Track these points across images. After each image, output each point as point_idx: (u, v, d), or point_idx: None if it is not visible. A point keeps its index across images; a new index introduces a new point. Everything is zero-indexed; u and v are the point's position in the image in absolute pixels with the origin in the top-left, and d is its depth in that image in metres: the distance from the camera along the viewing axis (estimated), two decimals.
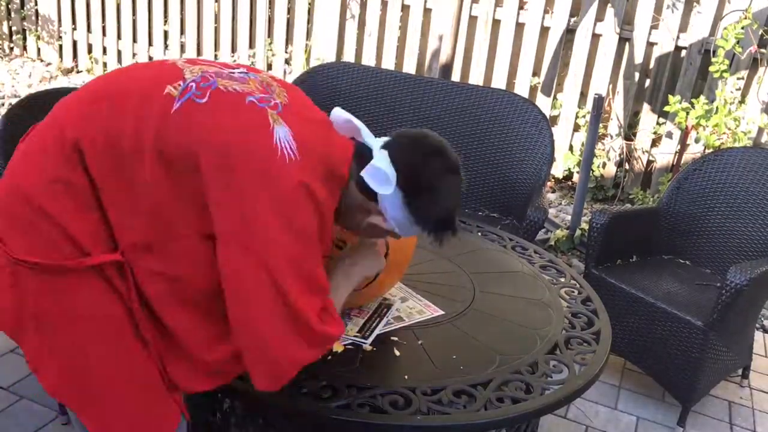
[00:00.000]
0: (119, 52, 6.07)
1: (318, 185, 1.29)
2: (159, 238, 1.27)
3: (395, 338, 1.70)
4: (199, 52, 5.76)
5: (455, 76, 4.85)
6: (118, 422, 1.32)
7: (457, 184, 1.45)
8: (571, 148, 4.78)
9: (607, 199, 4.72)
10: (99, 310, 1.27)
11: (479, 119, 3.24)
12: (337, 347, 1.61)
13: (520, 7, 4.71)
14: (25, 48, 6.51)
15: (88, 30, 6.13)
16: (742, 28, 3.80)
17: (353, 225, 1.50)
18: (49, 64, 6.38)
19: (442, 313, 1.84)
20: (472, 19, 4.86)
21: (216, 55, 5.70)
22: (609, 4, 4.52)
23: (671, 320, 2.58)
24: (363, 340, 1.66)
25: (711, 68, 3.94)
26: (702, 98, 3.95)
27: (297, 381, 1.49)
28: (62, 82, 6.06)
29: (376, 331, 1.70)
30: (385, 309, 1.80)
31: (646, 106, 4.58)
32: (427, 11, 5.00)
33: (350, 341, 1.66)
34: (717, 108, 3.88)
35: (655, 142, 4.61)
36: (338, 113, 1.44)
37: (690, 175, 3.05)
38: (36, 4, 6.26)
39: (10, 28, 6.50)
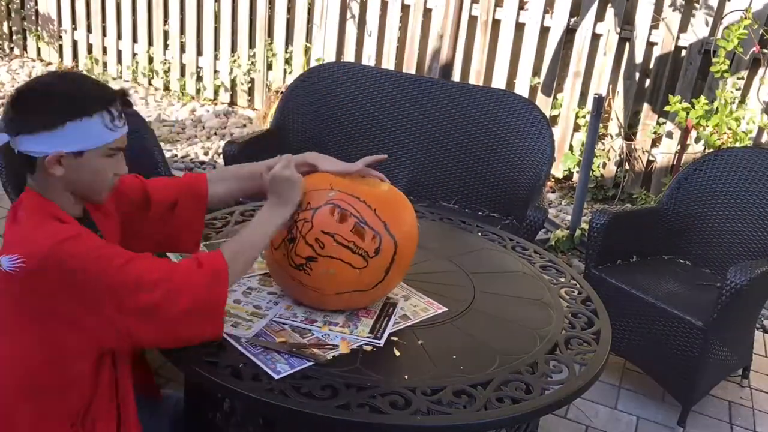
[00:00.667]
0: (119, 52, 6.07)
1: (57, 228, 1.38)
2: None
3: (395, 338, 1.70)
4: (199, 52, 5.76)
5: (455, 76, 4.85)
6: None
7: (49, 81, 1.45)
8: (571, 148, 4.78)
9: (607, 199, 4.72)
10: None
11: (479, 119, 3.24)
12: (344, 348, 1.61)
13: (520, 7, 4.71)
14: (25, 48, 6.51)
15: (88, 30, 6.13)
16: (744, 28, 3.80)
17: (74, 189, 1.47)
18: (49, 64, 6.38)
19: (446, 309, 1.83)
20: (472, 19, 4.86)
21: (216, 55, 5.71)
22: (609, 4, 4.52)
23: (671, 320, 2.58)
24: (376, 341, 1.65)
25: (712, 68, 3.95)
26: (702, 98, 3.96)
27: (297, 381, 1.49)
28: None
29: (387, 330, 1.70)
30: (391, 308, 1.80)
31: (646, 106, 4.58)
32: (427, 11, 5.00)
33: (363, 342, 1.65)
34: (717, 108, 3.88)
35: (655, 142, 4.61)
36: None
37: (690, 175, 3.05)
38: (36, 4, 6.26)
39: (10, 28, 6.50)
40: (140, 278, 1.38)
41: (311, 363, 1.54)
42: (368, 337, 1.66)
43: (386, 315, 1.77)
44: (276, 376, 1.48)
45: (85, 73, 1.61)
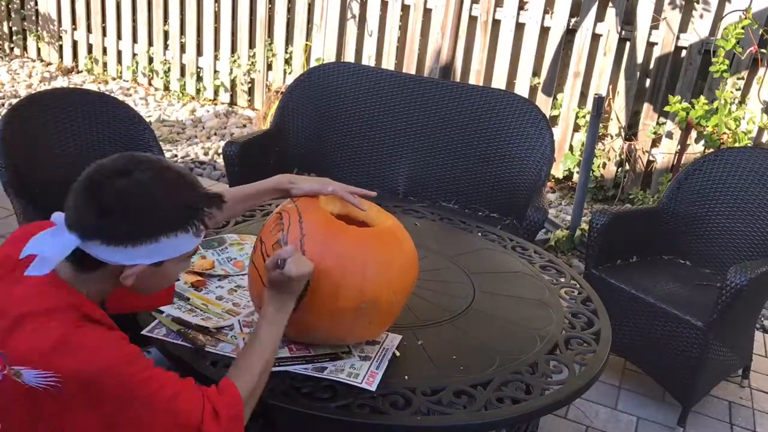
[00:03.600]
0: (119, 52, 6.07)
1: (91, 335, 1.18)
2: None
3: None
4: (199, 52, 5.76)
5: (455, 76, 4.85)
6: None
7: (141, 183, 1.22)
8: (571, 148, 4.78)
9: (607, 199, 4.72)
10: None
11: (479, 119, 3.24)
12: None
13: (520, 7, 4.71)
14: (25, 48, 6.51)
15: (88, 30, 6.13)
16: (743, 28, 3.80)
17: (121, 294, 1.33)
18: (49, 64, 6.38)
19: (372, 390, 1.50)
20: (472, 19, 4.86)
21: (216, 55, 5.70)
22: (609, 4, 4.52)
23: (671, 320, 2.58)
24: (369, 387, 1.50)
25: (711, 68, 3.95)
26: (702, 98, 3.96)
27: (298, 382, 1.49)
28: (62, 82, 6.06)
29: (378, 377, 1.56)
30: (319, 358, 1.60)
31: (646, 106, 4.58)
32: (427, 11, 5.00)
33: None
34: (717, 108, 3.88)
35: (655, 142, 4.61)
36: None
37: (690, 175, 3.05)
38: (36, 4, 6.26)
39: (10, 28, 6.50)
40: (180, 415, 1.22)
41: (189, 345, 1.54)
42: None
43: (311, 360, 1.57)
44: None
45: (173, 165, 1.39)
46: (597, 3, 4.49)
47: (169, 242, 1.23)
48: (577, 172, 4.68)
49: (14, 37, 6.52)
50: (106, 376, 1.15)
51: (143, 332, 1.58)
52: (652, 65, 4.52)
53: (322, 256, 1.47)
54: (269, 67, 5.61)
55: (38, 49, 6.42)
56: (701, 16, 4.27)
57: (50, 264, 1.18)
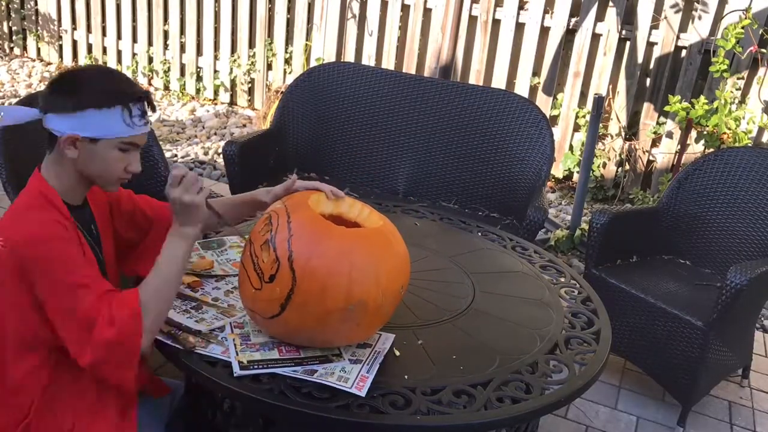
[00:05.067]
0: (119, 52, 6.07)
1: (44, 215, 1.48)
2: None
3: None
4: (199, 52, 5.76)
5: (455, 76, 4.85)
6: None
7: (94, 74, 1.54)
8: (571, 148, 4.78)
9: (607, 199, 4.72)
10: None
11: (479, 119, 3.24)
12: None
13: (520, 7, 4.71)
14: (25, 48, 6.51)
15: (88, 30, 6.13)
16: (742, 28, 3.80)
17: (93, 173, 1.54)
18: (49, 63, 6.38)
19: (361, 395, 1.48)
20: (472, 19, 4.86)
21: (216, 55, 5.70)
22: (609, 4, 4.52)
23: (671, 320, 2.58)
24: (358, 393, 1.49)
25: (711, 68, 3.95)
26: (702, 98, 3.96)
27: (298, 381, 1.49)
28: None
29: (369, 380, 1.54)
30: (307, 361, 1.58)
31: (646, 106, 4.58)
32: (427, 11, 5.00)
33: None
34: (717, 108, 3.88)
35: (655, 142, 4.61)
36: None
37: (690, 175, 3.05)
38: (36, 4, 6.26)
39: (10, 28, 6.50)
40: (78, 311, 1.43)
41: (177, 347, 1.55)
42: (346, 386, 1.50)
43: (300, 362, 1.55)
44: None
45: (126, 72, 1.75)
46: (597, 3, 4.49)
47: (96, 115, 1.47)
48: (577, 172, 4.68)
49: (14, 37, 6.52)
50: (29, 247, 1.41)
51: None
52: (652, 65, 4.52)
53: (308, 256, 1.47)
54: (269, 66, 5.61)
55: (38, 49, 6.42)
56: (701, 17, 4.27)
57: (16, 117, 1.58)
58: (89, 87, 1.49)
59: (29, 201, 1.49)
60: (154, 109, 1.57)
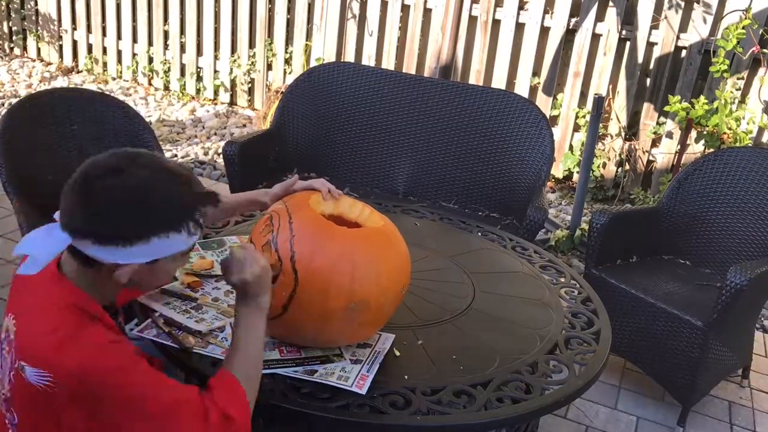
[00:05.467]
0: (119, 52, 6.07)
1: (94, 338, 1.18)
2: None
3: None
4: (199, 52, 5.76)
5: (455, 76, 4.85)
6: None
7: (134, 183, 1.19)
8: (571, 148, 4.78)
9: (607, 199, 4.72)
10: None
11: (479, 119, 3.24)
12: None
13: (520, 7, 4.71)
14: (25, 48, 6.51)
15: (88, 30, 6.13)
16: (743, 28, 3.80)
17: (117, 291, 1.32)
18: (49, 64, 6.38)
19: (362, 393, 1.49)
20: (472, 19, 4.86)
21: (216, 55, 5.70)
22: (609, 4, 4.52)
23: (671, 320, 2.58)
24: (359, 391, 1.50)
25: (711, 68, 3.95)
26: (702, 98, 3.96)
27: (298, 381, 1.49)
28: (62, 82, 6.06)
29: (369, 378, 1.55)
30: (309, 361, 1.59)
31: (646, 106, 4.58)
32: (427, 11, 5.00)
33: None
34: (717, 108, 3.88)
35: (655, 142, 4.61)
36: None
37: (690, 175, 3.05)
38: (36, 4, 6.26)
39: (10, 28, 6.50)
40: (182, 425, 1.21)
41: (176, 346, 1.54)
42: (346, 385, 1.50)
43: (301, 363, 1.55)
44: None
45: (167, 162, 1.29)
46: (597, 3, 4.49)
47: (161, 242, 1.21)
48: (577, 172, 4.68)
49: (14, 37, 6.52)
50: (98, 381, 1.14)
51: (134, 332, 1.58)
52: (652, 65, 4.52)
53: (311, 256, 1.47)
54: (269, 67, 5.61)
55: (38, 49, 6.42)
56: (701, 17, 4.27)
57: (40, 264, 1.17)
58: (149, 212, 1.19)
59: (62, 318, 1.19)
60: (217, 205, 1.31)
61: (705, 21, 4.27)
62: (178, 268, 1.36)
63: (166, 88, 6.00)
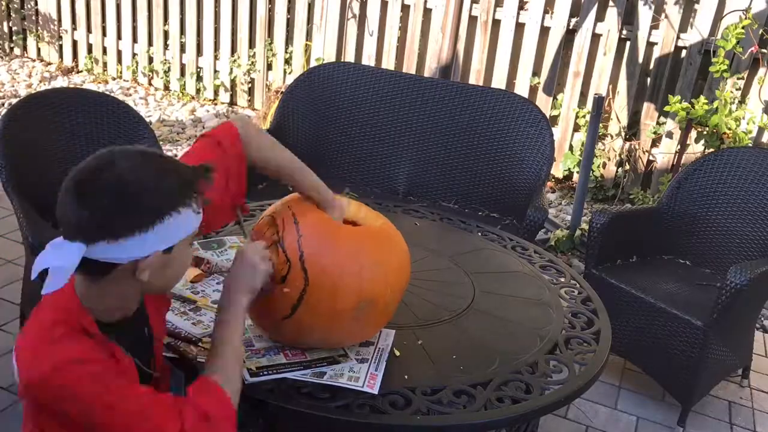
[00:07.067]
0: (119, 52, 6.07)
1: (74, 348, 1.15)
2: None
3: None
4: (199, 52, 5.76)
5: (455, 76, 4.85)
6: None
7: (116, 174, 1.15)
8: (571, 148, 4.78)
9: (607, 199, 4.72)
10: None
11: (479, 119, 3.24)
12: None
13: (520, 7, 4.71)
14: (25, 48, 6.51)
15: (88, 30, 6.13)
16: (743, 28, 3.80)
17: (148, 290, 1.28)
18: (49, 63, 6.38)
19: (374, 392, 1.50)
20: (472, 19, 4.86)
21: (216, 55, 5.70)
22: (610, 4, 4.52)
23: (671, 320, 2.58)
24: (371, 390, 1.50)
25: (711, 68, 3.95)
26: (702, 98, 3.96)
27: (298, 381, 1.49)
28: (62, 82, 6.06)
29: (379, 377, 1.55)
30: (316, 363, 1.58)
31: (646, 106, 4.58)
32: (427, 11, 4.99)
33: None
34: (717, 108, 3.88)
35: (655, 142, 4.61)
36: None
37: (690, 175, 3.05)
38: (36, 4, 6.26)
39: (10, 28, 6.50)
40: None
41: (177, 357, 1.54)
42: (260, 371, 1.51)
43: (309, 365, 1.55)
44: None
45: (149, 149, 1.25)
46: (597, 3, 4.49)
47: (175, 221, 1.17)
48: (577, 172, 4.68)
49: (14, 37, 6.51)
50: (66, 391, 1.12)
51: None
52: (652, 65, 4.52)
53: (320, 255, 1.47)
54: (269, 67, 5.61)
55: (38, 49, 6.41)
56: (701, 16, 4.27)
57: (65, 274, 1.12)
58: (156, 191, 1.16)
59: (51, 328, 1.17)
60: (211, 180, 1.28)
61: (705, 21, 4.26)
62: (189, 257, 1.31)
63: (166, 88, 6.00)
